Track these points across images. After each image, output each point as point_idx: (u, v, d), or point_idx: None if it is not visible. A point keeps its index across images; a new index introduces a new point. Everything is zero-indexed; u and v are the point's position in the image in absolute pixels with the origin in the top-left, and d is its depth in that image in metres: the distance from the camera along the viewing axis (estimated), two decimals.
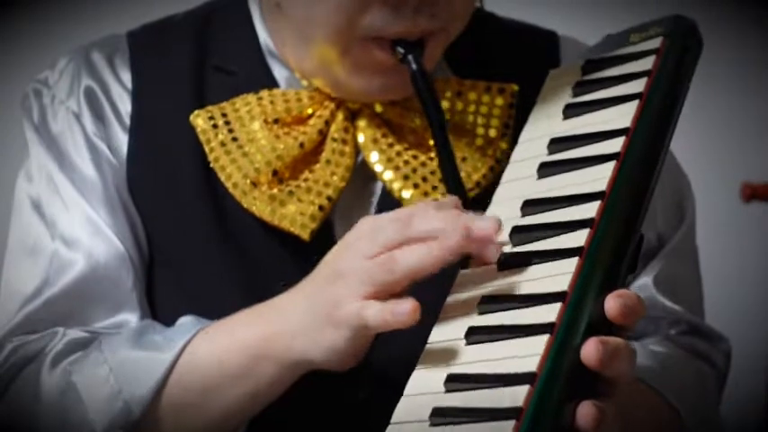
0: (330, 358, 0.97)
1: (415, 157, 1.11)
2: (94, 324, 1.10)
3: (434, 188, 1.10)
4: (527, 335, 0.88)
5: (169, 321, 1.10)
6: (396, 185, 1.10)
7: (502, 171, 1.09)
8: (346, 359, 0.97)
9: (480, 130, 1.13)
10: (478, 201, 1.06)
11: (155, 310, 1.13)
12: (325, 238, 1.09)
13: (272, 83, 1.14)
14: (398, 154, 1.11)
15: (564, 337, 0.87)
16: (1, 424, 1.08)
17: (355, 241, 0.96)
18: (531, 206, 0.99)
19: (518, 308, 0.91)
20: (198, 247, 1.11)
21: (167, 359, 1.03)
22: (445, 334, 0.94)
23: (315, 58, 1.09)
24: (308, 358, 0.98)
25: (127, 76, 1.15)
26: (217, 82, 1.15)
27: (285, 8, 1.09)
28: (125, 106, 1.15)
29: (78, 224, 1.11)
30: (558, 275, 0.91)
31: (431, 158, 1.11)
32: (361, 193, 1.13)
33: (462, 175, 1.10)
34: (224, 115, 1.11)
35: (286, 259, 1.10)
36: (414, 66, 1.05)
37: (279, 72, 1.15)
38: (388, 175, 1.10)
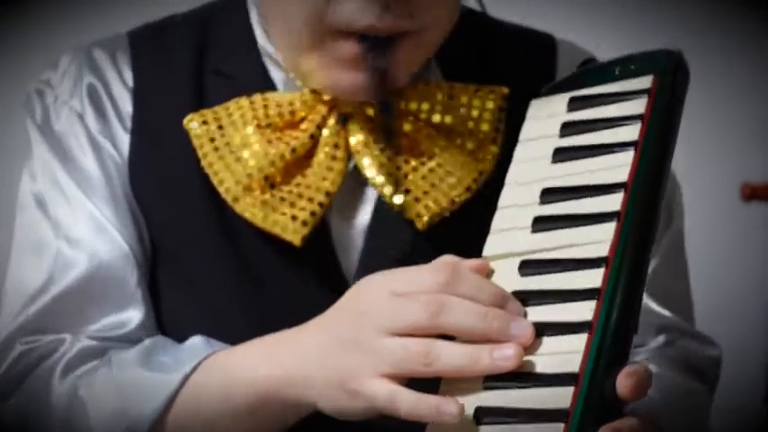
0: (336, 413, 0.96)
1: (406, 161, 1.11)
2: (100, 321, 1.11)
3: (425, 193, 1.09)
4: (541, 421, 0.85)
5: (173, 319, 1.10)
6: (387, 190, 1.10)
7: (491, 175, 1.09)
8: (353, 417, 0.96)
9: (471, 134, 1.12)
10: (469, 205, 1.07)
11: (159, 306, 1.13)
12: (320, 242, 1.09)
13: (269, 85, 1.14)
14: (390, 159, 1.10)
15: (579, 425, 0.84)
16: (10, 425, 1.09)
17: (374, 310, 0.94)
18: (528, 267, 0.95)
19: (526, 387, 0.88)
20: (198, 248, 1.12)
21: (173, 384, 1.02)
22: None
23: (299, 58, 1.09)
24: (316, 407, 0.97)
25: (129, 75, 1.16)
26: (215, 85, 1.15)
27: (266, 6, 1.10)
28: (126, 106, 1.15)
29: (82, 223, 1.12)
30: (566, 353, 0.88)
31: (422, 163, 1.11)
32: (356, 198, 1.13)
33: (453, 180, 1.10)
34: (217, 119, 1.12)
35: (282, 262, 1.10)
36: (372, 62, 1.04)
37: (276, 74, 1.15)
38: (379, 179, 1.10)
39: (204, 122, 1.11)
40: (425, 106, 1.12)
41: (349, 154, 1.11)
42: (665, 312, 1.17)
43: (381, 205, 1.11)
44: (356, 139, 1.11)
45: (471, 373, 0.90)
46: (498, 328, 0.90)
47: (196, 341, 1.07)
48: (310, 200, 1.09)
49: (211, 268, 1.11)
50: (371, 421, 0.96)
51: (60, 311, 1.10)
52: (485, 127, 1.12)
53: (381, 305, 0.93)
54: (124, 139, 1.14)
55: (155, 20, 1.22)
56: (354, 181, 1.12)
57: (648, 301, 1.15)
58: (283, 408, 0.99)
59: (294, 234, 1.08)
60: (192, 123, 1.11)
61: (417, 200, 1.09)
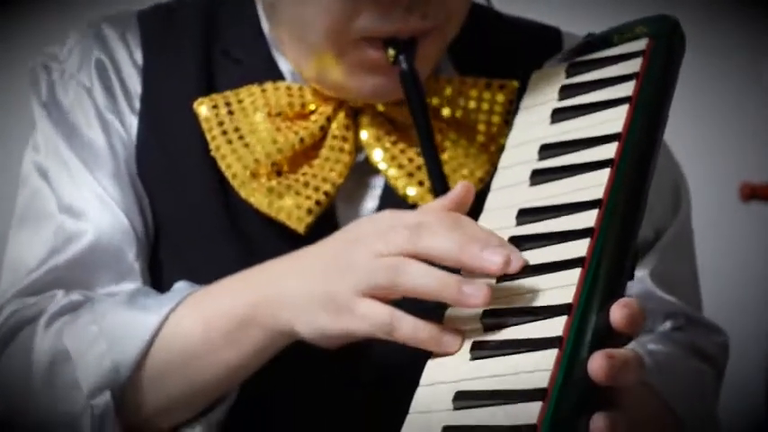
0: (315, 336, 0.97)
1: (418, 154, 1.11)
2: (96, 291, 1.10)
3: None
4: (534, 349, 0.87)
5: None
6: (400, 183, 1.11)
7: None
8: (332, 341, 0.97)
9: (482, 127, 1.13)
10: (481, 197, 1.06)
11: (161, 289, 1.12)
12: (327, 233, 1.08)
13: (277, 75, 1.14)
14: (402, 152, 1.11)
15: (572, 351, 0.86)
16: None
17: (369, 236, 0.96)
18: (526, 215, 0.98)
19: (523, 322, 0.90)
20: (201, 232, 1.12)
21: (154, 321, 1.03)
22: None
23: (312, 64, 1.09)
24: (293, 330, 0.98)
25: (138, 54, 1.16)
26: (224, 68, 1.15)
27: (278, 12, 1.09)
28: (134, 86, 1.15)
29: (84, 196, 1.12)
30: (561, 287, 0.90)
31: None
32: (363, 191, 1.13)
33: (465, 171, 1.11)
34: (227, 104, 1.12)
35: (287, 250, 1.09)
36: (404, 65, 1.05)
37: (284, 65, 1.15)
38: (392, 172, 1.11)
39: (214, 107, 1.12)
40: (436, 101, 1.13)
41: (357, 146, 1.12)
42: (673, 299, 1.17)
43: (388, 196, 1.12)
44: (367, 132, 1.12)
45: (437, 298, 0.92)
46: (471, 255, 0.92)
47: (180, 285, 1.08)
48: (316, 189, 1.09)
49: (214, 252, 1.11)
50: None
51: (57, 280, 1.10)
52: (495, 120, 1.13)
53: (375, 233, 0.95)
54: (131, 120, 1.14)
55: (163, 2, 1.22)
56: (362, 173, 1.12)
57: (656, 289, 1.17)
58: (260, 334, 1.00)
59: (298, 222, 1.08)
60: (202, 107, 1.12)
61: (430, 191, 1.09)
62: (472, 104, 1.13)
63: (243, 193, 1.09)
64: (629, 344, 0.89)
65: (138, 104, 1.14)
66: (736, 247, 2.35)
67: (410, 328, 0.93)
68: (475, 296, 0.91)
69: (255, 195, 1.09)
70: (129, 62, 1.15)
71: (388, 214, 0.97)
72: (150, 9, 1.20)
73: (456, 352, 0.91)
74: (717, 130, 2.38)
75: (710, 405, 1.18)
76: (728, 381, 1.24)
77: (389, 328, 0.93)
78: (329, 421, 1.10)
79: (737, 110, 2.40)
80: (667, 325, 1.18)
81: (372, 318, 0.93)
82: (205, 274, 1.07)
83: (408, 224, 0.94)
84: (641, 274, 1.16)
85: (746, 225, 2.36)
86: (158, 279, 1.13)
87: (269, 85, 1.12)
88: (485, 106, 1.13)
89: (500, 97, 1.13)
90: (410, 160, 1.11)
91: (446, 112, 1.13)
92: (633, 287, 1.15)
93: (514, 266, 0.92)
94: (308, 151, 1.11)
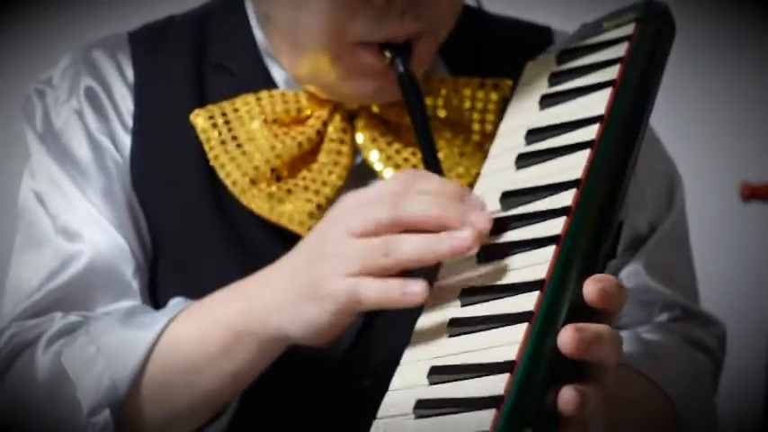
0: (306, 334, 0.97)
1: (414, 154, 1.12)
2: (95, 311, 1.11)
3: None
4: (507, 324, 0.89)
5: None
6: None
7: None
8: (323, 335, 0.97)
9: (476, 126, 1.14)
10: None
11: (161, 304, 1.13)
12: None
13: (270, 83, 1.15)
14: (398, 152, 1.12)
15: (542, 325, 0.87)
16: (2, 408, 1.09)
17: (340, 218, 0.96)
18: (509, 197, 0.99)
19: (498, 298, 0.92)
20: (201, 244, 1.12)
21: (149, 337, 1.03)
22: (428, 327, 0.95)
23: (307, 66, 1.10)
24: (284, 333, 0.99)
25: (130, 72, 1.16)
26: (216, 81, 1.16)
27: (273, 19, 1.10)
28: (127, 105, 1.15)
29: (78, 217, 1.12)
30: (536, 264, 0.91)
31: None
32: None
33: (460, 170, 1.12)
34: (224, 114, 1.13)
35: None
36: (401, 68, 1.06)
37: (277, 73, 1.16)
38: (388, 173, 1.11)
39: (210, 117, 1.12)
40: (430, 101, 1.13)
41: (355, 149, 1.13)
42: (669, 292, 1.18)
43: None
44: (363, 134, 1.13)
45: (432, 260, 0.93)
46: (455, 215, 0.92)
47: (175, 301, 1.08)
48: (317, 192, 1.10)
49: (215, 264, 1.12)
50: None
51: (56, 303, 1.11)
52: (490, 119, 1.14)
53: (346, 213, 0.96)
54: (125, 139, 1.15)
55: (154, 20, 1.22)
56: (361, 175, 1.13)
57: (651, 281, 1.17)
58: (254, 342, 1.00)
59: (300, 225, 1.09)
60: (199, 119, 1.12)
61: None
62: (467, 104, 1.14)
63: (244, 200, 1.10)
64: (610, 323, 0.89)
65: (131, 122, 1.15)
66: (736, 247, 2.35)
67: (376, 289, 0.93)
68: (465, 239, 0.91)
69: (256, 202, 1.10)
70: (121, 82, 1.16)
71: (355, 193, 0.97)
72: (141, 28, 1.21)
73: (422, 301, 0.92)
74: (717, 130, 2.38)
75: (707, 395, 1.19)
76: (727, 379, 1.24)
77: (355, 296, 0.93)
78: (329, 428, 1.10)
79: (737, 110, 2.40)
80: (664, 316, 1.19)
81: (337, 296, 0.94)
82: (206, 287, 1.08)
83: (380, 195, 0.95)
84: (637, 266, 1.17)
85: (746, 225, 2.35)
86: (158, 296, 1.14)
87: (264, 94, 1.13)
88: (479, 105, 1.14)
89: (494, 96, 1.15)
90: (405, 160, 1.12)
91: (441, 112, 1.14)
92: (629, 280, 1.17)
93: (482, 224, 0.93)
94: (306, 156, 1.12)
